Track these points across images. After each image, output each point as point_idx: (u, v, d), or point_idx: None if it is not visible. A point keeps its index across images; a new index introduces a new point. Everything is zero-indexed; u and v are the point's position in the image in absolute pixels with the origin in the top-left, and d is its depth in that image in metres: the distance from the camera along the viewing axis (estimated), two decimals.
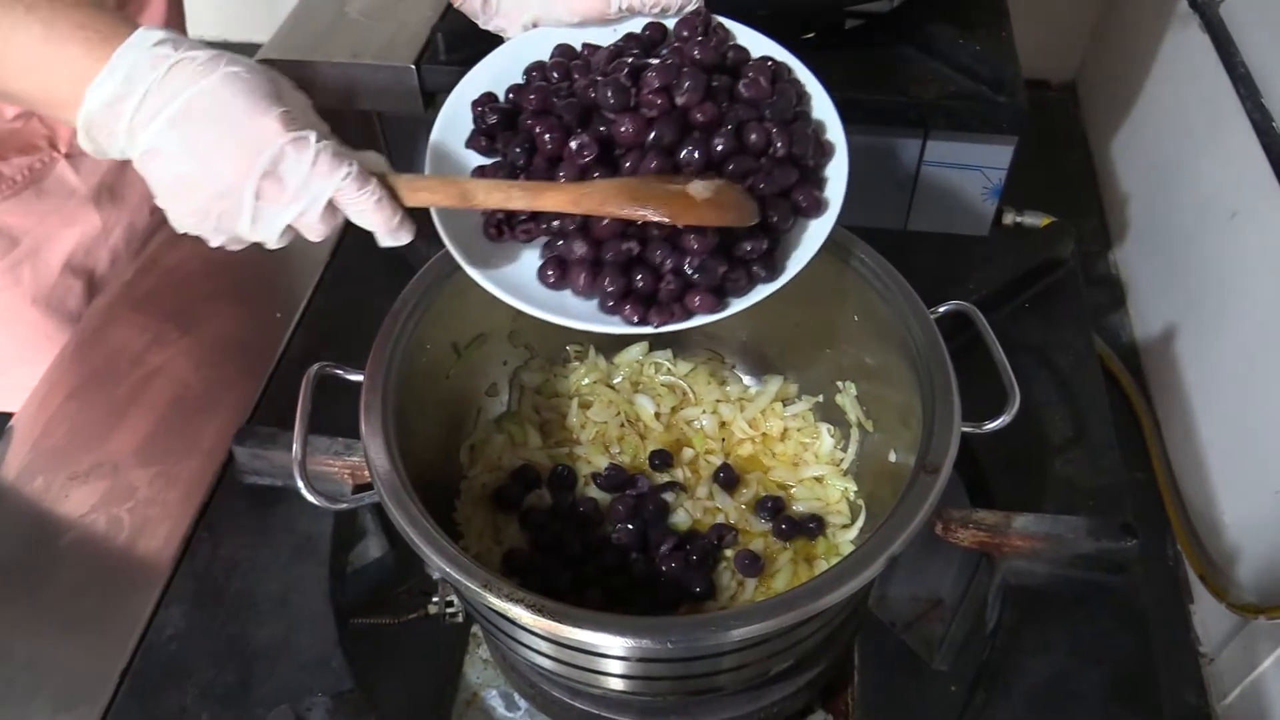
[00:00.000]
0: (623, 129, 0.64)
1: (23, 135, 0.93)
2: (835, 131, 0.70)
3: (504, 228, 0.66)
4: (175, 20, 1.06)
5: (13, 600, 0.76)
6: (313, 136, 0.57)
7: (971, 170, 1.14)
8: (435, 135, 0.70)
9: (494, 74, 0.72)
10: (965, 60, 1.11)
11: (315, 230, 0.59)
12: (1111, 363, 1.21)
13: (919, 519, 0.59)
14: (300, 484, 0.64)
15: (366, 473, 0.65)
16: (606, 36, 0.72)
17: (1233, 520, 1.03)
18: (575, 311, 0.65)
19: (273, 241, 0.59)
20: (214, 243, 0.60)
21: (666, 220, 0.61)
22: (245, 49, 1.31)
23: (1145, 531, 0.73)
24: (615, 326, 0.65)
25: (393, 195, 0.59)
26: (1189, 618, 1.06)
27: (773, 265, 0.65)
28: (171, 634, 0.73)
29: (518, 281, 0.66)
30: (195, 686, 0.70)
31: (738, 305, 0.65)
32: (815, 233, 0.67)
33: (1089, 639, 0.71)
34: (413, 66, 1.19)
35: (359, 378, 0.69)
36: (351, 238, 1.02)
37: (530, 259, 0.67)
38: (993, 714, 0.68)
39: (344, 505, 0.67)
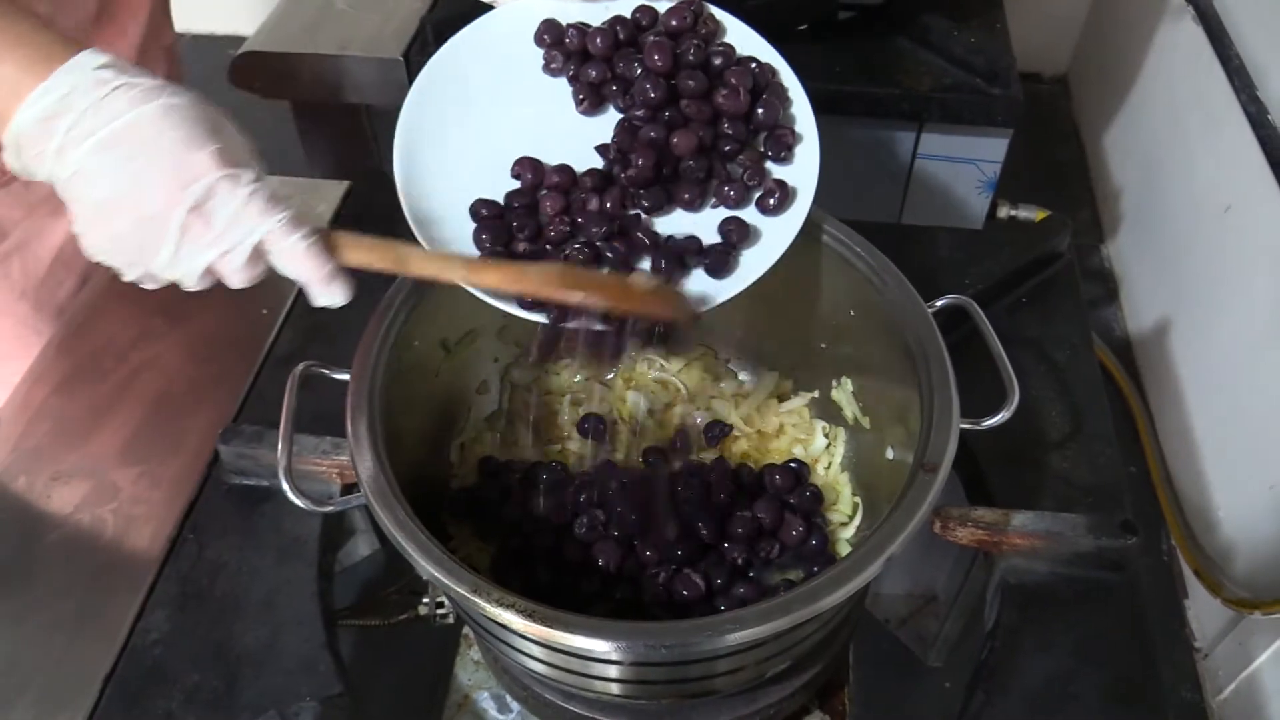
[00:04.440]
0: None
1: None
2: (810, 142, 0.70)
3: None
4: (160, 12, 1.04)
5: None
6: (248, 175, 0.55)
7: (966, 163, 1.14)
8: (409, 103, 0.69)
9: (475, 45, 0.71)
10: (959, 52, 1.10)
11: (238, 275, 0.57)
12: (1105, 357, 1.21)
13: (917, 519, 0.58)
14: (286, 486, 0.63)
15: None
16: (596, 13, 0.71)
17: (1227, 515, 1.02)
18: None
19: (190, 282, 0.57)
20: (127, 276, 0.58)
21: (603, 306, 0.63)
22: (232, 41, 1.30)
23: (1139, 527, 0.73)
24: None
25: (325, 246, 0.58)
26: (1184, 613, 1.06)
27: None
28: (156, 637, 0.71)
29: None
30: (180, 691, 0.68)
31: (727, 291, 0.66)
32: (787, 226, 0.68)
33: (1088, 638, 0.70)
34: (401, 59, 1.18)
35: (345, 376, 0.68)
36: None
37: None
38: (992, 714, 0.67)
39: (330, 508, 0.66)
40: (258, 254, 0.57)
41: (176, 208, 0.54)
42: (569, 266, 0.64)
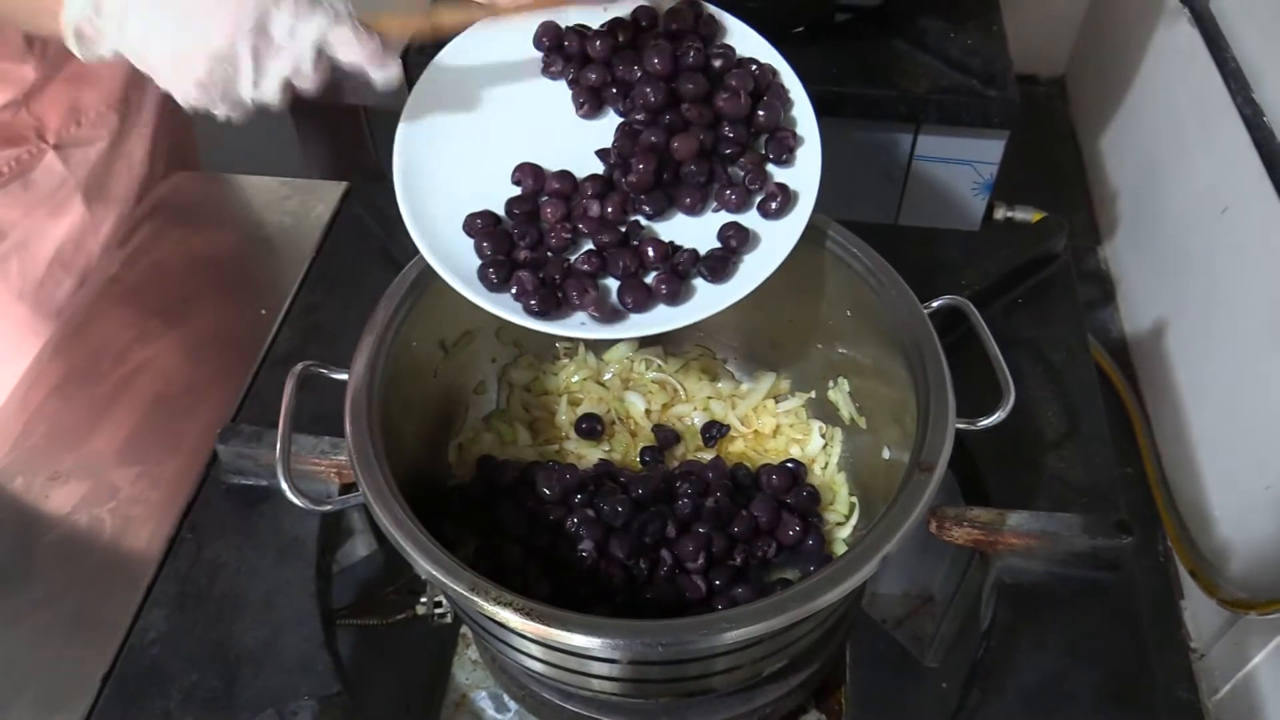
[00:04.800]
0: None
1: (11, 127, 0.92)
2: (812, 145, 0.70)
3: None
4: None
5: None
6: None
7: (963, 165, 1.14)
8: (409, 108, 0.70)
9: (479, 43, 0.72)
10: (956, 54, 1.11)
11: (310, 79, 0.62)
12: (1101, 358, 1.21)
13: (913, 518, 0.59)
14: (284, 485, 0.63)
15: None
16: (595, 15, 0.71)
17: (1223, 516, 1.03)
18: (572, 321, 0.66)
19: (274, 98, 0.62)
20: (220, 112, 0.63)
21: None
22: None
23: (1136, 527, 0.73)
24: (614, 332, 0.66)
25: (370, 28, 0.63)
26: (1180, 613, 1.06)
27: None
28: (154, 637, 0.71)
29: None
30: (179, 691, 0.68)
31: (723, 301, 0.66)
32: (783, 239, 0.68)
33: (1084, 638, 0.70)
34: (399, 59, 1.18)
35: (344, 376, 0.68)
36: (337, 232, 1.01)
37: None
38: (988, 714, 0.67)
39: (329, 507, 0.66)
40: (320, 55, 0.62)
41: (241, 39, 0.59)
42: None
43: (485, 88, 0.72)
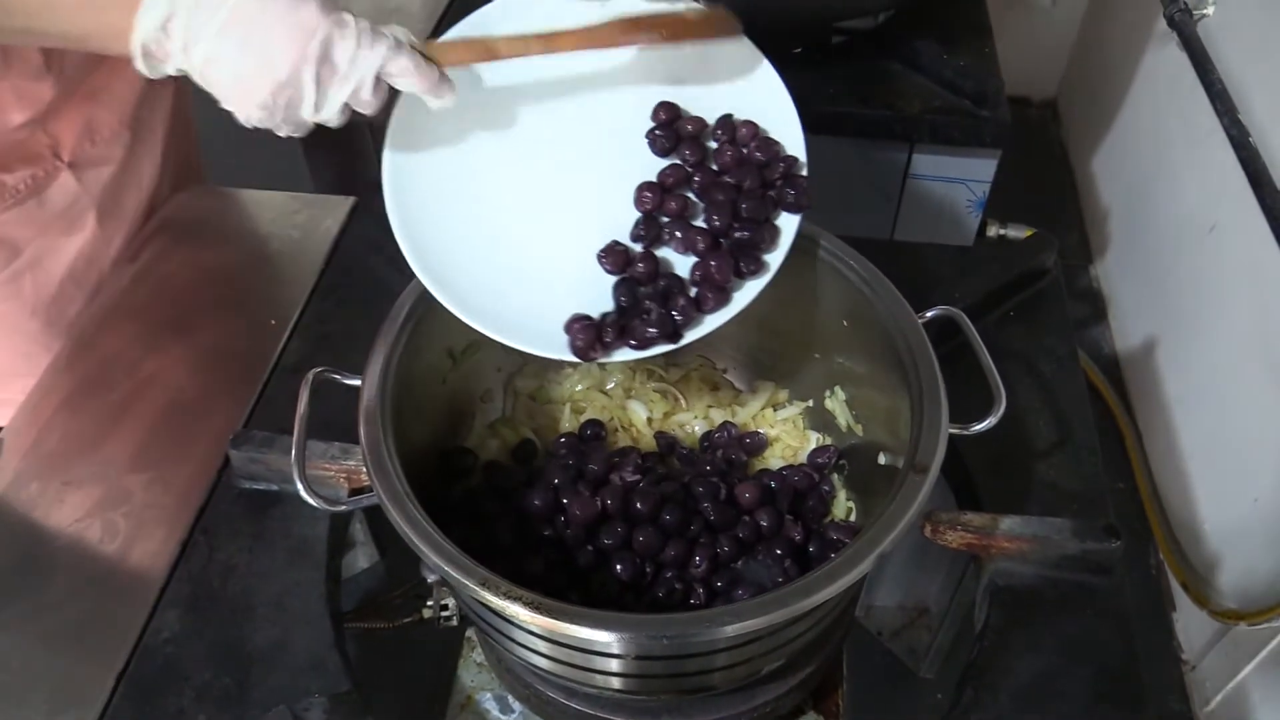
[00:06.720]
0: None
1: (27, 145, 0.93)
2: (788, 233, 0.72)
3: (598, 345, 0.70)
4: None
5: (8, 605, 0.76)
6: (350, 17, 0.63)
7: (956, 183, 1.16)
8: (393, 127, 0.71)
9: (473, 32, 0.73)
10: (949, 75, 1.13)
11: (369, 104, 0.65)
12: (1093, 375, 1.23)
13: (908, 518, 0.61)
14: (299, 485, 0.65)
15: (363, 476, 0.66)
16: (593, 11, 0.72)
17: (1213, 528, 1.04)
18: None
19: (334, 120, 0.65)
20: (282, 132, 0.66)
21: (666, 39, 0.68)
22: None
23: (1128, 540, 0.75)
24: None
25: (427, 58, 0.65)
26: (1171, 625, 1.07)
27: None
28: (168, 637, 0.73)
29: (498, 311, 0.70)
30: (192, 689, 0.70)
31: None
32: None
33: (1074, 639, 0.72)
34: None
35: (357, 382, 0.70)
36: (345, 245, 1.03)
37: (518, 296, 0.71)
38: (980, 713, 0.69)
39: (342, 507, 0.68)
40: (379, 81, 0.64)
41: (306, 65, 0.62)
42: (629, 16, 0.69)
43: (476, 98, 0.72)
